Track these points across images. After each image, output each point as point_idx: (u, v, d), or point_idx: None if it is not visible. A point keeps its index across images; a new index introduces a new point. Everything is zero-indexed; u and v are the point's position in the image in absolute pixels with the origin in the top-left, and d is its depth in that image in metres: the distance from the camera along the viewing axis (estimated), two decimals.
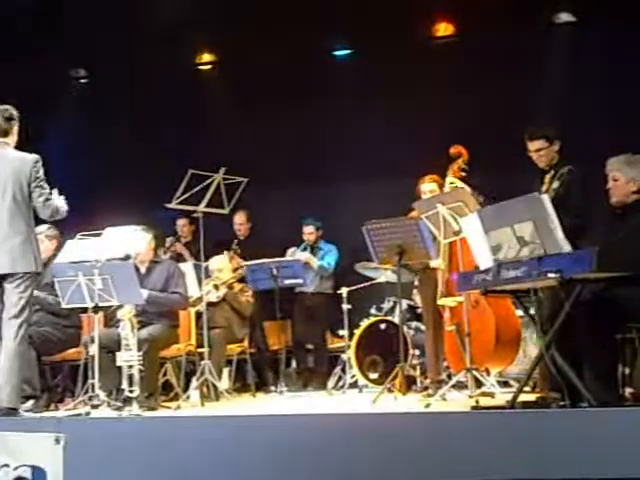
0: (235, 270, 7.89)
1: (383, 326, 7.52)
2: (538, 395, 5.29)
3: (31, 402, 5.95)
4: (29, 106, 5.93)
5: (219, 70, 9.76)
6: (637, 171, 4.72)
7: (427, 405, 5.62)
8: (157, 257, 7.17)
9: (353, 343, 7.47)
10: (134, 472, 4.24)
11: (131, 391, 5.78)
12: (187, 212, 7.25)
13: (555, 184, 5.25)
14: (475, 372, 5.79)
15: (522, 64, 8.35)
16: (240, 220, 8.55)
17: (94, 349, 5.95)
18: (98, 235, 6.28)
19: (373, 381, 7.28)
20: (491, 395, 5.87)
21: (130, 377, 5.80)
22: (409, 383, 6.51)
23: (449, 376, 6.40)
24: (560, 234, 4.29)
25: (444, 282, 6.19)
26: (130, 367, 5.81)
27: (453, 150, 6.40)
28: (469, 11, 8.45)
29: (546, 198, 4.42)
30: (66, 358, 6.85)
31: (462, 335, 5.93)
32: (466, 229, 5.17)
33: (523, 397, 4.93)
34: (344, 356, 7.57)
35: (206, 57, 9.83)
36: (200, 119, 9.36)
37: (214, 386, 6.83)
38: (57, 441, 4.28)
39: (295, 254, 8.15)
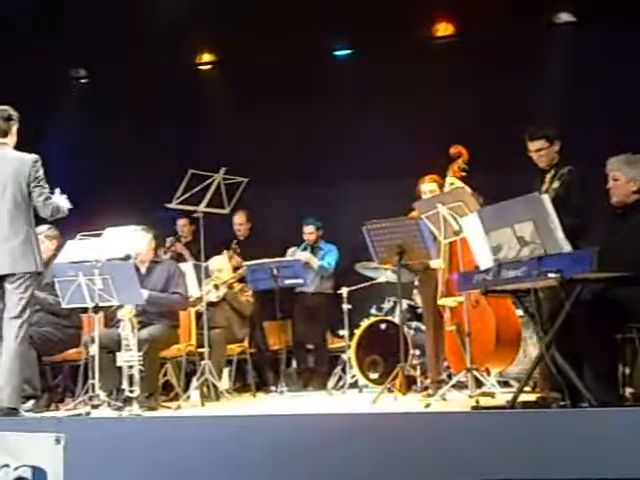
0: (235, 269, 7.90)
1: (383, 326, 7.52)
2: (538, 395, 5.28)
3: (31, 402, 5.95)
4: (29, 106, 5.94)
5: (219, 70, 9.76)
6: (637, 171, 4.72)
7: (427, 405, 5.62)
8: (157, 257, 7.16)
9: (353, 343, 7.47)
10: (134, 472, 4.24)
11: (131, 391, 5.78)
12: (187, 212, 7.26)
13: (555, 184, 5.25)
14: (475, 372, 5.79)
15: (522, 64, 8.35)
16: (240, 220, 8.55)
17: (94, 349, 5.95)
18: (98, 235, 6.28)
19: (373, 381, 7.28)
20: (491, 395, 5.87)
21: (130, 377, 5.80)
22: (409, 383, 6.51)
23: (449, 376, 6.40)
24: (560, 234, 4.29)
25: (444, 282, 6.18)
26: (130, 367, 5.81)
27: (453, 150, 6.40)
28: (469, 11, 8.46)
29: (546, 198, 4.42)
30: (66, 358, 6.85)
31: (462, 335, 5.93)
32: (466, 229, 5.17)
33: (523, 397, 4.93)
34: (344, 356, 7.57)
35: (206, 57, 9.83)
36: (200, 119, 9.36)
37: (214, 386, 6.83)
38: (57, 441, 4.28)
39: (295, 254, 8.15)
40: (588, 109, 8.01)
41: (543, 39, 8.58)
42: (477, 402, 5.37)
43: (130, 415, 5.56)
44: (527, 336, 6.75)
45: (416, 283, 7.14)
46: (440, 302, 6.24)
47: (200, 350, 6.90)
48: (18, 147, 5.59)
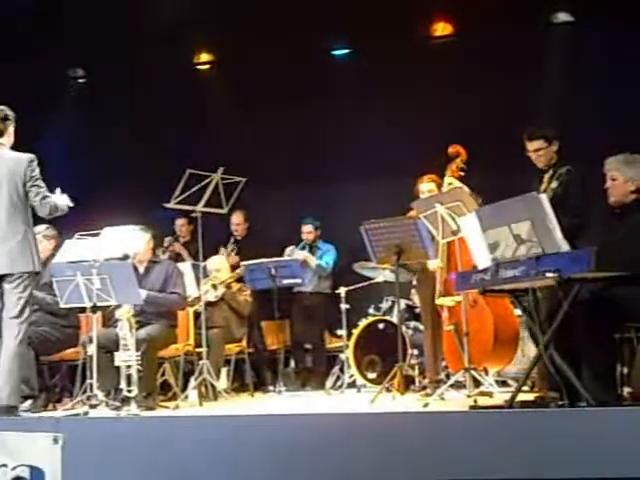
0: (232, 268, 7.90)
1: (381, 326, 7.53)
2: (536, 395, 5.29)
3: (29, 402, 5.94)
4: (29, 106, 5.95)
5: (218, 70, 9.77)
6: (635, 171, 4.72)
7: (425, 405, 5.62)
8: (156, 257, 7.17)
9: (351, 343, 7.47)
10: (132, 472, 4.23)
11: (129, 391, 5.78)
12: (185, 212, 7.25)
13: (554, 184, 5.25)
14: (473, 372, 5.79)
15: (521, 64, 8.35)
16: (237, 220, 8.55)
17: (92, 349, 5.96)
18: (96, 235, 6.27)
19: (371, 381, 7.28)
20: (489, 395, 5.87)
21: (128, 377, 5.80)
22: (407, 383, 6.50)
23: (447, 376, 6.41)
24: (558, 233, 4.28)
25: (442, 282, 6.19)
26: (128, 367, 5.81)
27: (451, 150, 6.40)
28: (468, 11, 8.46)
29: (544, 197, 4.42)
30: (64, 358, 6.85)
31: (460, 335, 5.93)
32: (464, 229, 5.17)
33: (521, 397, 4.93)
34: (342, 356, 7.57)
35: (205, 57, 9.84)
36: (200, 119, 9.36)
37: (212, 386, 6.82)
38: (55, 441, 4.27)
39: (294, 252, 8.15)
40: (587, 109, 8.02)
41: (542, 39, 8.60)
42: (475, 402, 5.37)
43: (128, 415, 5.55)
44: (525, 336, 6.72)
45: (414, 283, 7.14)
46: (438, 302, 6.25)
47: (198, 350, 6.89)
48: (18, 147, 5.58)
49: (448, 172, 6.39)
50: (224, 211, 7.04)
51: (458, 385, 6.13)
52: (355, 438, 3.98)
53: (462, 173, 6.38)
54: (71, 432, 4.32)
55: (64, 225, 6.45)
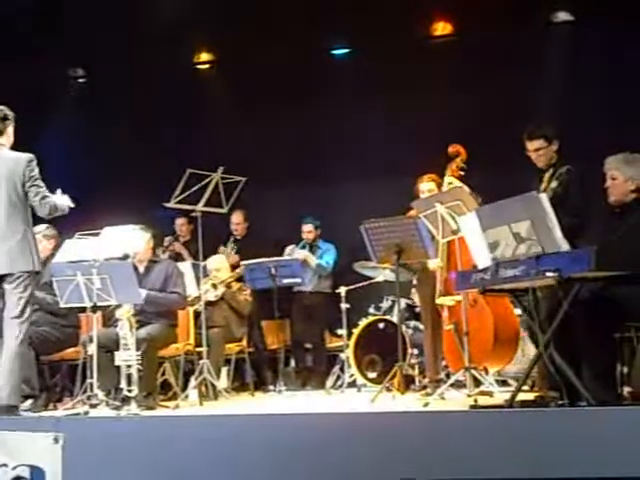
0: (232, 267, 7.90)
1: (382, 325, 7.53)
2: (536, 394, 5.29)
3: (30, 402, 5.93)
4: (29, 106, 5.94)
5: (218, 70, 9.77)
6: (635, 170, 4.72)
7: (425, 404, 5.62)
8: (156, 256, 7.17)
9: (352, 342, 7.47)
10: (133, 471, 4.23)
11: (130, 390, 5.78)
12: (186, 211, 7.25)
13: (553, 184, 5.24)
14: (473, 371, 5.79)
15: (521, 64, 8.35)
16: (237, 220, 8.56)
17: (92, 348, 5.96)
18: (96, 234, 6.28)
19: (372, 380, 7.28)
20: (489, 394, 5.87)
21: (129, 376, 5.80)
22: (407, 382, 6.50)
23: (447, 375, 6.41)
24: (558, 233, 4.28)
25: (442, 281, 6.19)
26: (129, 366, 5.81)
27: (451, 149, 6.41)
28: (468, 10, 8.46)
29: (544, 197, 4.42)
30: (64, 357, 6.85)
31: (460, 334, 5.93)
32: (464, 228, 5.17)
33: (522, 396, 4.93)
34: (343, 355, 7.57)
35: (205, 57, 9.84)
36: (200, 119, 9.36)
37: (212, 385, 6.83)
38: (56, 440, 4.27)
39: (294, 251, 8.15)
40: (587, 108, 8.02)
41: (542, 38, 8.59)
42: (475, 401, 5.37)
43: (128, 414, 5.56)
44: (526, 335, 6.74)
45: (414, 282, 7.14)
46: (438, 301, 6.25)
47: (198, 349, 6.90)
48: (18, 147, 5.58)
49: (448, 172, 6.39)
50: (224, 211, 7.04)
51: (458, 385, 6.13)
52: (355, 438, 3.98)
53: (462, 173, 6.38)
54: (71, 432, 4.31)
55: (64, 225, 6.45)
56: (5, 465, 4.34)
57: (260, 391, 7.73)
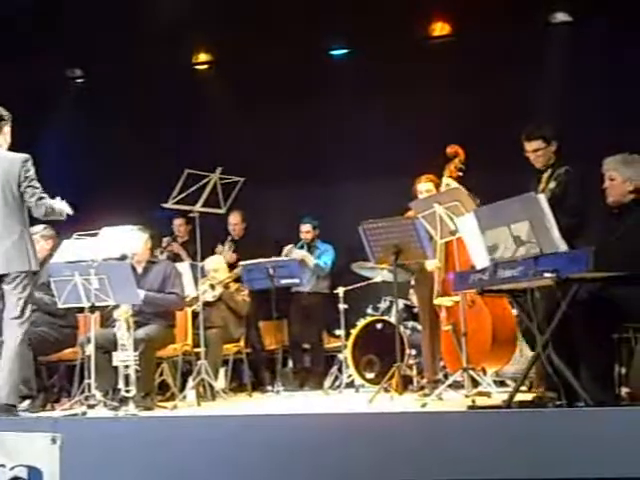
0: (229, 266, 7.90)
1: (379, 326, 7.52)
2: (534, 395, 5.28)
3: (27, 402, 5.93)
4: (29, 106, 5.94)
5: (218, 70, 9.76)
6: (634, 171, 4.72)
7: (423, 405, 5.62)
8: (154, 257, 7.16)
9: (349, 343, 7.47)
10: (131, 472, 4.23)
11: (127, 391, 5.78)
12: (184, 212, 7.25)
13: (552, 184, 5.23)
14: (471, 372, 5.80)
15: (521, 64, 8.35)
16: (235, 220, 8.55)
17: (90, 349, 5.95)
18: (94, 235, 6.26)
19: (369, 381, 7.27)
20: (487, 395, 5.86)
21: (126, 377, 5.80)
22: (405, 383, 6.50)
23: (445, 376, 6.41)
24: (556, 233, 4.28)
25: (440, 282, 6.19)
26: (126, 367, 5.81)
27: (450, 150, 6.40)
28: (467, 10, 8.45)
29: (542, 197, 4.41)
30: (62, 358, 6.84)
31: (458, 335, 5.93)
32: (462, 229, 5.16)
33: (519, 397, 4.92)
34: (340, 356, 7.57)
35: (205, 57, 9.83)
36: (199, 119, 9.36)
37: (210, 386, 6.82)
38: (53, 441, 4.27)
39: (292, 251, 8.14)
40: (586, 109, 8.01)
41: (542, 39, 8.58)
42: (473, 402, 5.37)
43: (126, 415, 5.55)
44: None
45: (412, 283, 7.14)
46: (436, 302, 6.25)
47: (196, 350, 6.89)
48: (17, 147, 5.57)
49: (446, 172, 6.38)
50: (222, 211, 7.04)
51: (456, 385, 6.13)
52: (353, 438, 3.98)
53: (460, 173, 6.37)
54: (69, 432, 4.32)
55: (62, 225, 6.42)
56: (3, 466, 4.35)
57: (258, 392, 7.73)
